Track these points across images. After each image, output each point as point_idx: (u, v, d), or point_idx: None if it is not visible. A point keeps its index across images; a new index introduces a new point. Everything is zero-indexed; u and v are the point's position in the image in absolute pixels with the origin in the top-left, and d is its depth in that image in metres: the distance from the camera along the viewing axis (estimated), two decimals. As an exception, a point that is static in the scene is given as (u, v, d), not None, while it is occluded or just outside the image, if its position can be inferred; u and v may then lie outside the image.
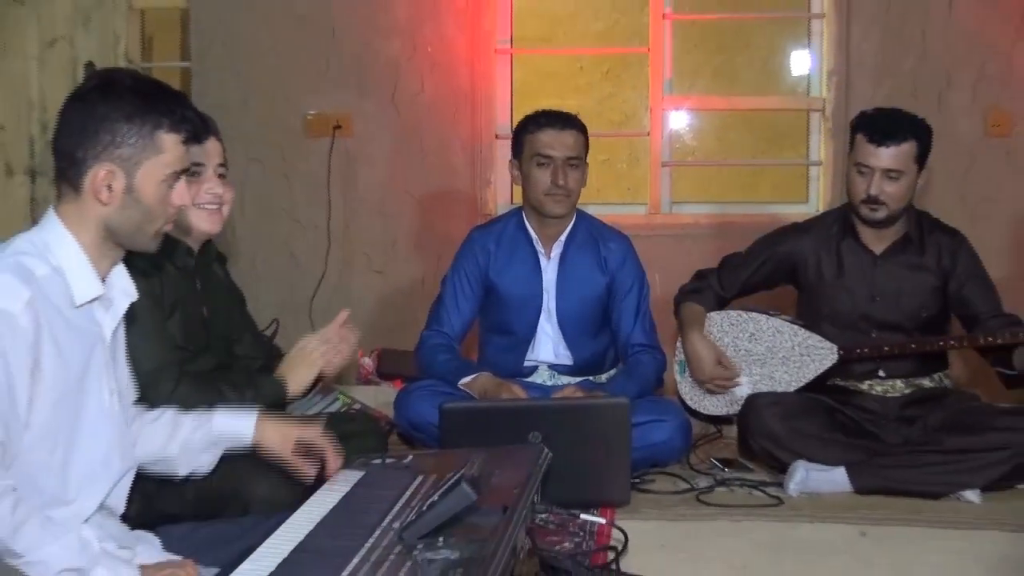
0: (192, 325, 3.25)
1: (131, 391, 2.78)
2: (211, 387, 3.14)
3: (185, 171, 2.55)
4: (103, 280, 2.53)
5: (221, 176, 3.28)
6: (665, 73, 5.61)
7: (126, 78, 2.54)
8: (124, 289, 2.63)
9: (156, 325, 3.07)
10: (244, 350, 3.55)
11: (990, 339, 4.16)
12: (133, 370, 2.84)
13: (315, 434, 2.97)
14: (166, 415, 2.87)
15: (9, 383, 2.27)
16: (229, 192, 3.30)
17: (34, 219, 3.74)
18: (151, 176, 2.48)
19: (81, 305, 2.46)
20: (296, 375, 3.33)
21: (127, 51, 5.65)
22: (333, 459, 2.90)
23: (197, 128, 2.62)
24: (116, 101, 2.46)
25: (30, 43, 5.60)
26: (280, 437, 2.92)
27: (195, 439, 2.85)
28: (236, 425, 2.90)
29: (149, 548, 2.67)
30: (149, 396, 2.96)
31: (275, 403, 3.27)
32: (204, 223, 3.27)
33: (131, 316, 2.79)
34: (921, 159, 4.21)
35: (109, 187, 2.43)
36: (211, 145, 3.26)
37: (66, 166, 2.47)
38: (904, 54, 5.32)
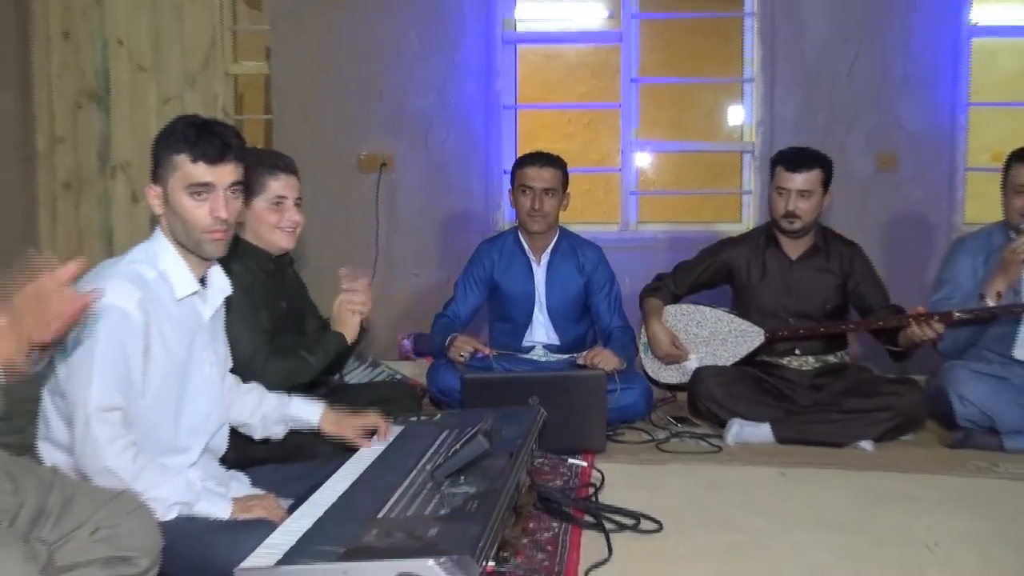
0: (275, 313, 3.27)
1: (228, 363, 2.86)
2: (293, 356, 3.17)
3: (203, 185, 2.48)
4: (202, 279, 2.59)
5: (297, 206, 3.28)
6: (632, 124, 5.63)
7: (179, 122, 2.56)
8: (221, 287, 2.69)
9: (250, 316, 3.09)
10: (311, 328, 3.56)
11: (880, 323, 4.19)
12: (234, 352, 2.90)
13: (370, 419, 2.98)
14: (256, 390, 2.94)
15: (126, 363, 2.37)
16: (302, 218, 3.32)
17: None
18: (176, 188, 2.50)
19: (182, 299, 2.51)
20: (344, 327, 3.32)
21: (224, 107, 5.68)
22: (384, 431, 2.94)
23: (219, 145, 2.50)
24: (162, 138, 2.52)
25: (151, 100, 5.65)
26: (337, 424, 2.95)
27: (273, 415, 2.91)
28: (307, 412, 2.95)
29: (240, 484, 2.76)
30: (247, 372, 3.00)
31: (340, 352, 3.32)
32: (284, 241, 3.29)
33: (231, 309, 2.84)
34: (826, 183, 4.25)
35: (156, 200, 2.52)
36: (291, 182, 3.26)
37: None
38: (815, 110, 5.36)
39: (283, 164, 3.29)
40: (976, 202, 5.44)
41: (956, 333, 4.06)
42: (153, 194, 2.53)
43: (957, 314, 3.97)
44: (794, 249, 4.35)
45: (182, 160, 2.48)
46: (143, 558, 2.16)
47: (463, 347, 4.22)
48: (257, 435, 2.89)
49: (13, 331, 1.80)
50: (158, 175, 2.51)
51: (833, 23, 5.34)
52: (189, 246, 2.54)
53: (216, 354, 2.71)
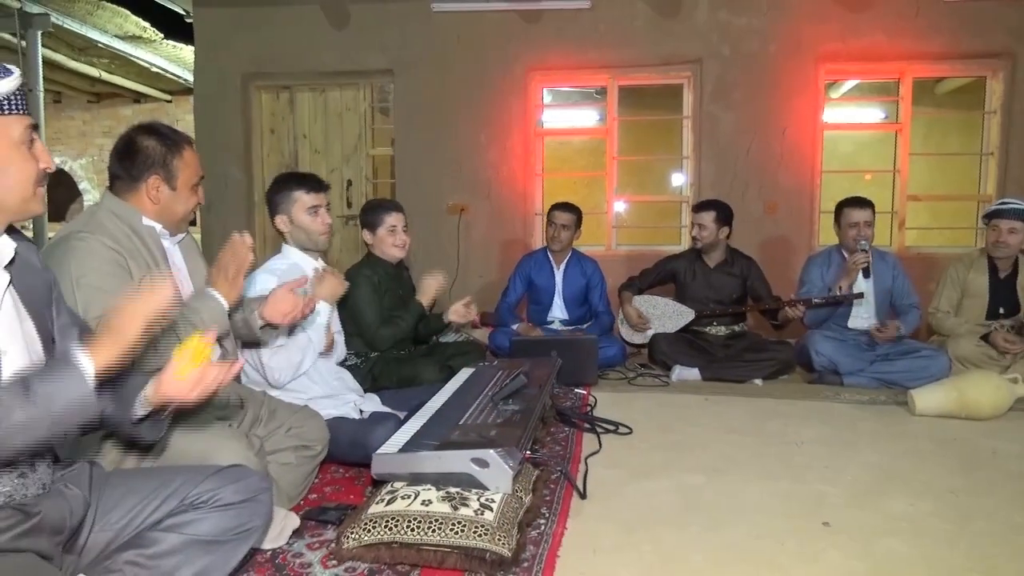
0: (394, 300, 3.27)
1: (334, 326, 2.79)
2: (393, 322, 3.15)
3: (315, 207, 2.57)
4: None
5: (404, 231, 3.29)
6: (613, 185, 5.60)
7: (278, 176, 2.68)
8: (314, 265, 2.67)
9: (374, 301, 3.13)
10: None
11: (767, 307, 4.17)
12: (360, 322, 2.96)
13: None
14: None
15: None
16: (408, 239, 3.32)
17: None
18: (300, 211, 2.56)
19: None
20: (424, 296, 3.25)
21: (366, 175, 5.73)
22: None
23: (316, 182, 2.61)
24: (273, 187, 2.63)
25: (323, 170, 5.70)
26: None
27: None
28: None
29: (372, 402, 2.72)
30: (369, 335, 3.03)
31: (420, 313, 3.26)
32: (398, 253, 3.29)
33: (359, 294, 2.86)
34: (719, 220, 4.23)
35: (286, 223, 2.59)
36: (399, 216, 3.27)
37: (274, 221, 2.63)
38: (727, 175, 5.30)
39: (394, 205, 3.34)
40: (826, 233, 5.38)
41: (814, 313, 4.01)
42: (282, 222, 2.58)
43: (814, 300, 3.93)
44: (712, 260, 4.31)
45: (300, 194, 2.56)
46: (318, 444, 2.22)
47: (526, 331, 4.25)
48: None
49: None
50: (280, 210, 2.58)
51: (737, 122, 5.28)
52: (309, 246, 2.62)
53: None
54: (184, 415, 1.81)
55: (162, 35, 7.52)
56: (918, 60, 5.22)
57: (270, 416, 2.15)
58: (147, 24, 7.14)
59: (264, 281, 2.42)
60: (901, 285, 4.02)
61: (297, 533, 1.98)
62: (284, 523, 1.93)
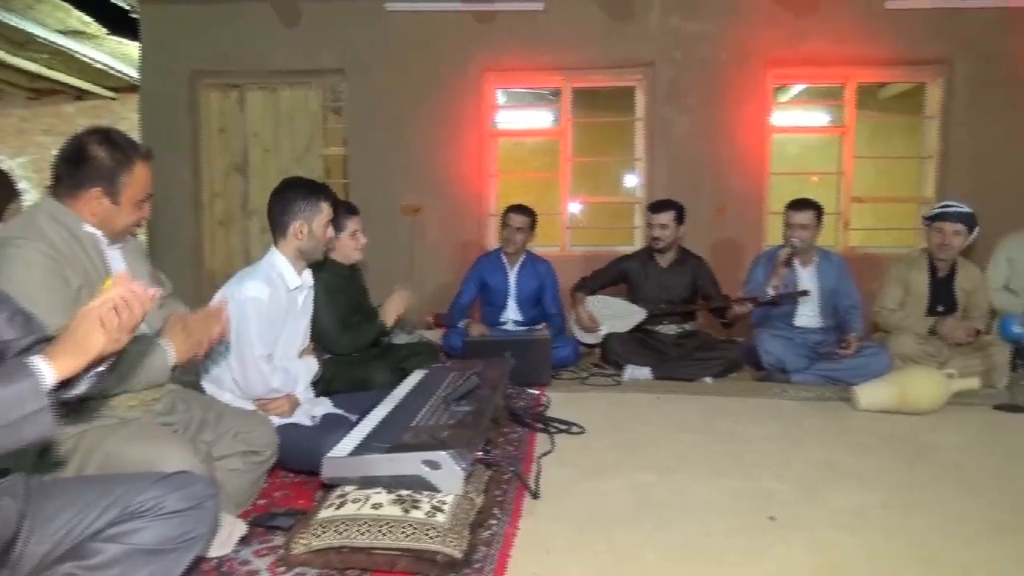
0: (349, 302, 3.26)
1: (308, 330, 2.77)
2: (356, 331, 3.16)
3: (333, 219, 2.59)
4: (299, 277, 2.58)
5: (364, 233, 3.26)
6: (568, 186, 5.63)
7: (296, 181, 2.59)
8: (309, 282, 2.65)
9: (332, 304, 3.09)
10: (368, 311, 3.53)
11: (715, 305, 4.23)
12: (319, 325, 2.88)
13: None
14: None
15: (268, 328, 2.42)
16: (366, 241, 3.30)
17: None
18: (320, 224, 2.53)
19: (292, 290, 2.51)
20: (387, 317, 3.23)
21: (318, 175, 5.65)
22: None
23: (335, 196, 2.64)
24: (295, 189, 2.54)
25: (272, 170, 5.60)
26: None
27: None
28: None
29: (325, 406, 2.70)
30: (327, 339, 2.99)
31: (381, 330, 3.25)
32: (357, 256, 3.28)
33: (319, 298, 2.81)
34: (678, 220, 4.27)
35: (301, 231, 2.50)
36: (358, 220, 3.25)
37: (279, 224, 2.53)
38: (681, 177, 5.36)
39: (354, 209, 3.29)
40: (774, 233, 5.48)
41: (761, 311, 4.09)
42: (301, 228, 2.52)
43: (761, 298, 4.02)
44: (664, 261, 4.36)
45: (326, 206, 2.54)
46: (266, 449, 2.18)
47: (476, 328, 4.22)
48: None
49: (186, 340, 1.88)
50: (301, 216, 2.51)
51: (690, 125, 5.34)
52: (313, 256, 2.59)
53: (301, 329, 2.68)
54: (130, 425, 1.77)
55: (106, 31, 7.31)
56: (862, 66, 5.36)
57: (217, 421, 2.11)
58: (90, 19, 6.93)
59: (257, 290, 2.40)
60: (844, 286, 4.12)
61: (244, 540, 1.95)
62: (231, 530, 1.90)
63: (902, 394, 3.34)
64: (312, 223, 2.53)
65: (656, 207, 4.33)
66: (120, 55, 8.19)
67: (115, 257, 1.94)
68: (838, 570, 1.88)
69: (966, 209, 3.92)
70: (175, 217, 5.55)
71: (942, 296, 4.03)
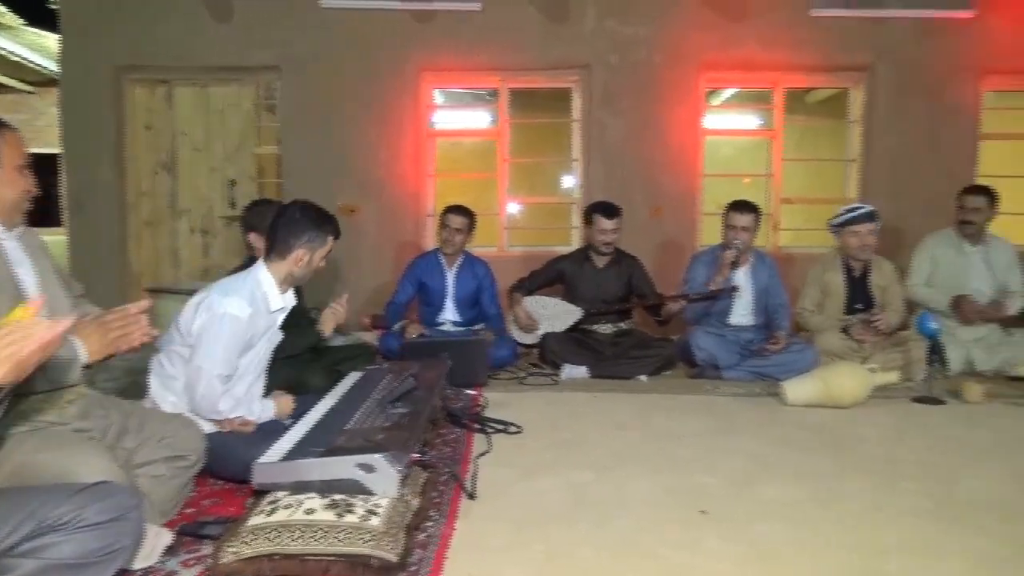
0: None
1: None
2: (290, 336, 3.04)
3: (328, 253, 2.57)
4: (282, 299, 2.53)
5: None
6: (505, 186, 5.64)
7: (309, 207, 2.52)
8: (292, 302, 2.59)
9: None
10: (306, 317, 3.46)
11: (650, 303, 4.30)
12: None
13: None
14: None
15: (236, 350, 2.33)
16: None
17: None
18: (320, 256, 2.50)
19: (272, 312, 2.47)
20: (325, 326, 3.13)
21: (250, 175, 5.53)
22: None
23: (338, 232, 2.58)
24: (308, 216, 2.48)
25: (202, 169, 5.47)
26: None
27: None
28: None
29: (266, 409, 2.58)
30: None
31: (318, 339, 3.19)
32: None
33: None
34: (621, 222, 4.32)
35: (302, 259, 2.45)
36: None
37: (281, 244, 2.45)
38: (614, 178, 5.43)
39: None
40: (707, 233, 5.61)
41: (694, 310, 4.18)
42: (303, 256, 2.46)
43: (692, 295, 4.11)
44: (600, 262, 4.41)
45: (331, 240, 2.52)
46: (192, 454, 2.13)
47: (412, 329, 4.19)
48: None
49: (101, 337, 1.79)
50: (306, 246, 2.45)
51: (625, 127, 5.42)
52: (300, 283, 2.57)
53: (270, 341, 2.60)
54: (42, 433, 1.69)
55: (23, 21, 7.00)
56: (789, 71, 5.54)
57: (140, 426, 2.04)
58: (4, 8, 6.62)
59: (239, 308, 2.31)
60: (775, 285, 4.25)
61: (171, 550, 1.88)
62: (156, 540, 1.83)
63: (827, 388, 3.46)
64: (315, 253, 2.49)
65: (609, 213, 4.30)
66: (39, 47, 7.87)
67: (12, 248, 1.83)
68: (765, 560, 1.93)
69: (869, 208, 4.15)
70: (99, 217, 5.35)
71: (859, 294, 4.20)
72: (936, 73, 5.39)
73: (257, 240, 3.15)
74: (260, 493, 1.97)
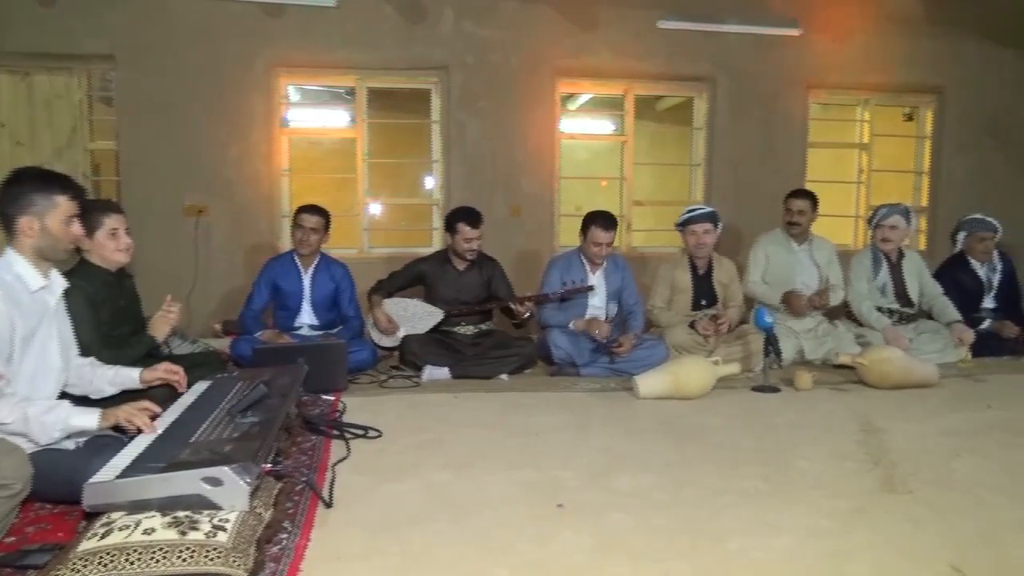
0: (116, 310, 3.01)
1: (72, 344, 2.53)
2: (119, 348, 2.88)
3: (74, 216, 2.33)
4: (45, 277, 2.32)
5: (128, 233, 3.03)
6: (364, 187, 5.56)
7: (25, 172, 2.32)
8: (60, 283, 2.39)
9: (89, 316, 2.80)
10: (139, 322, 3.25)
11: (506, 303, 4.32)
12: (77, 340, 2.57)
13: (171, 367, 2.67)
14: (93, 364, 2.59)
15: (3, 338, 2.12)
16: (132, 241, 3.06)
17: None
18: (57, 220, 2.29)
19: (35, 292, 2.25)
20: (157, 332, 3.04)
21: (84, 172, 5.12)
22: (181, 376, 2.65)
23: (79, 190, 2.37)
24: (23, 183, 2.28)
25: (27, 164, 4.97)
26: (152, 371, 2.60)
27: (108, 378, 2.56)
28: (130, 374, 2.59)
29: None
30: (86, 354, 2.67)
31: (151, 346, 3.03)
32: (121, 258, 3.04)
33: (74, 310, 2.56)
34: (483, 230, 4.39)
35: (31, 228, 2.26)
36: (120, 218, 3.03)
37: (5, 220, 2.27)
38: (475, 179, 5.50)
39: (112, 206, 3.07)
40: (565, 234, 5.78)
41: (552, 314, 4.29)
42: (31, 225, 2.25)
43: (551, 295, 4.23)
44: (461, 264, 4.44)
45: (63, 200, 2.29)
46: (16, 483, 1.95)
47: (272, 338, 4.07)
48: (95, 395, 2.54)
49: None
50: (30, 211, 2.24)
51: (482, 129, 5.48)
52: (54, 255, 2.34)
53: (60, 337, 2.41)
54: None
55: None
56: (639, 79, 5.81)
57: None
58: None
59: None
60: (628, 287, 4.44)
61: (-13, 584, 1.72)
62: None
63: (676, 381, 3.67)
64: (45, 219, 2.27)
65: (470, 219, 4.32)
66: None
67: None
68: (615, 547, 2.02)
69: (709, 209, 4.43)
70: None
71: (704, 291, 4.49)
72: (769, 85, 5.85)
73: (87, 242, 2.96)
74: (93, 515, 1.84)
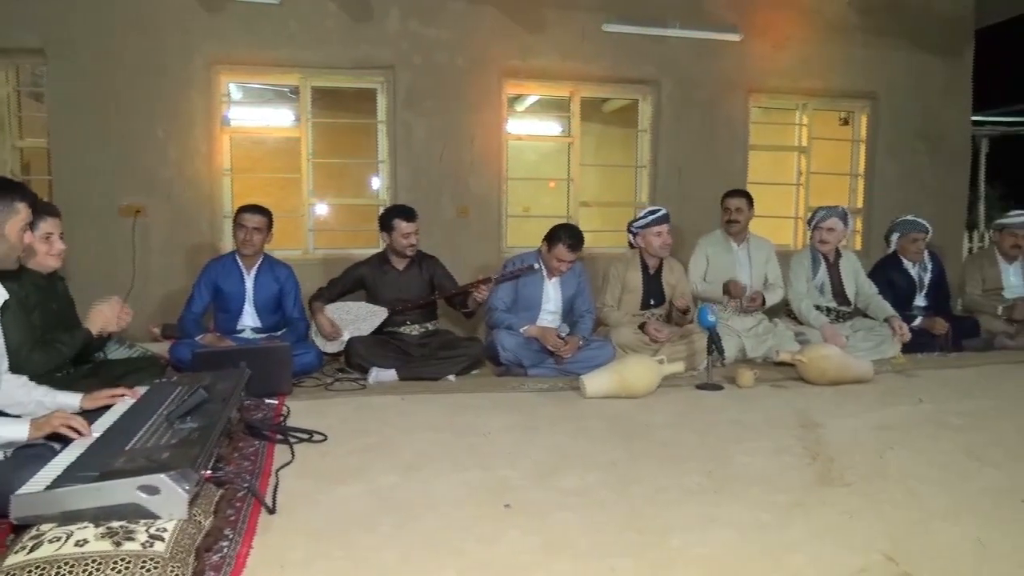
0: (47, 315, 2.93)
1: (4, 359, 2.42)
2: (51, 347, 2.80)
3: (30, 224, 2.31)
4: None
5: (61, 238, 2.93)
6: (309, 187, 5.48)
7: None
8: (1, 294, 2.31)
9: (22, 319, 2.71)
10: (74, 326, 3.15)
11: (452, 293, 4.33)
12: (6, 345, 2.47)
13: (118, 390, 2.56)
14: (28, 384, 2.47)
15: None
16: (65, 246, 2.96)
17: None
18: (15, 227, 2.26)
19: None
20: (92, 325, 2.92)
21: (12, 171, 4.93)
22: (133, 393, 2.56)
23: (34, 196, 2.35)
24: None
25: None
26: (94, 399, 2.49)
27: (44, 401, 2.44)
28: (70, 398, 2.47)
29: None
30: (15, 361, 2.58)
31: (87, 341, 2.93)
32: (53, 262, 2.97)
33: (5, 314, 2.45)
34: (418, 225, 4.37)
35: None
36: (55, 222, 2.94)
37: None
38: (422, 179, 5.47)
39: (50, 209, 2.94)
40: (513, 234, 5.80)
41: (500, 314, 4.28)
42: None
43: (491, 278, 4.24)
44: (400, 264, 4.41)
45: (22, 207, 2.28)
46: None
47: (213, 342, 3.98)
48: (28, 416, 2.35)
49: None
50: None
51: (429, 128, 5.46)
52: (4, 263, 2.31)
53: None
54: None
55: None
56: (585, 81, 5.87)
57: None
58: None
59: None
60: (582, 292, 4.46)
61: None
62: None
63: (622, 380, 3.72)
64: (5, 226, 2.23)
65: (411, 215, 4.32)
66: None
67: None
68: (561, 546, 2.03)
69: (665, 211, 4.54)
70: None
71: (653, 291, 4.56)
72: (711, 89, 5.97)
73: None
74: (21, 528, 1.77)
